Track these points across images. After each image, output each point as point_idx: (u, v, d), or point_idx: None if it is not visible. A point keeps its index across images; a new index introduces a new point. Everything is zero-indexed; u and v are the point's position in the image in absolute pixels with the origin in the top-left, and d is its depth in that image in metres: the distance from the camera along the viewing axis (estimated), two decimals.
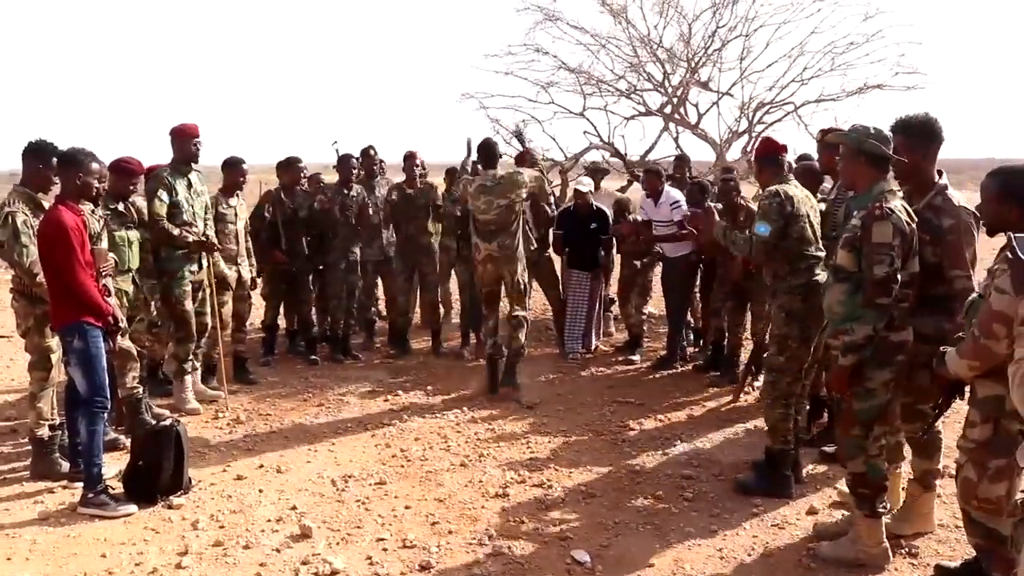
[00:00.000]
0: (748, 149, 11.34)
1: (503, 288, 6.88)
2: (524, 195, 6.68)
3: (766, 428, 4.75)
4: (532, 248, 7.18)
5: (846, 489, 4.52)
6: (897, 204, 3.57)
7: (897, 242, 3.48)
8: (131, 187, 5.72)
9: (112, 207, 5.49)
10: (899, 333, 3.64)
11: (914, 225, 3.58)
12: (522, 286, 6.79)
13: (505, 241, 6.60)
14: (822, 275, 4.53)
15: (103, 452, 4.86)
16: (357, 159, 7.97)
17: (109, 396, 4.55)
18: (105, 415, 4.55)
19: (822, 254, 4.60)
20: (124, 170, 5.54)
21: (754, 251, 4.50)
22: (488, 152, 6.75)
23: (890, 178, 3.72)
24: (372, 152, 8.19)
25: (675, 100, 11.59)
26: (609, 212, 8.02)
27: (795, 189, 4.63)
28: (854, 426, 3.73)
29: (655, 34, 11.64)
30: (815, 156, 6.93)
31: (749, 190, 10.50)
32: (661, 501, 4.62)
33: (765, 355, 4.89)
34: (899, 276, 3.49)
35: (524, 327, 6.85)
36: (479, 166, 6.97)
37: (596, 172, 9.11)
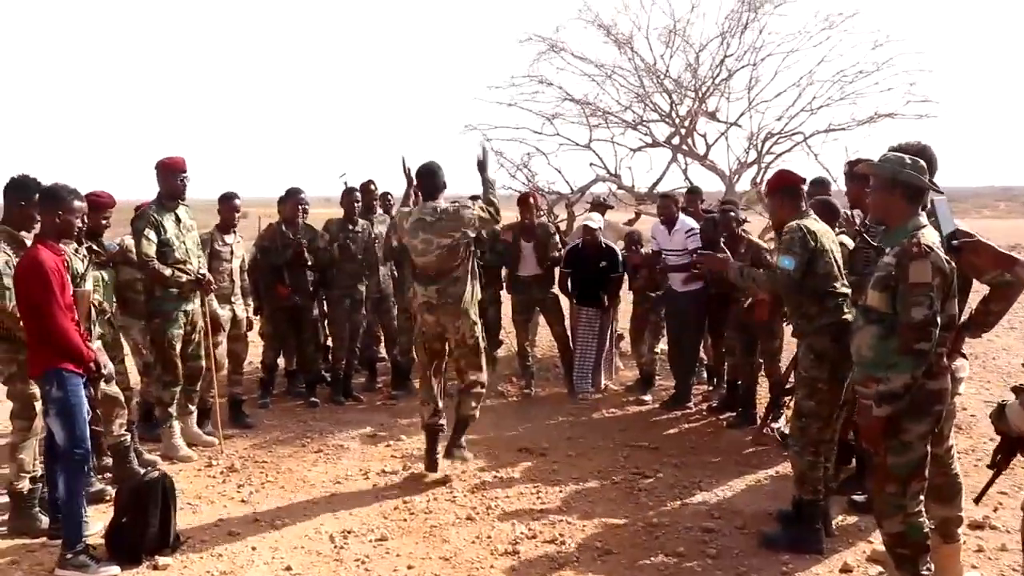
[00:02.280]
0: (758, 180, 11.11)
1: (446, 347, 5.60)
2: (471, 235, 5.41)
3: (794, 477, 4.45)
4: (479, 299, 5.67)
5: (881, 548, 4.24)
6: (934, 240, 3.31)
7: (937, 282, 3.22)
8: (102, 222, 5.46)
9: (87, 246, 5.22)
10: (937, 380, 3.36)
11: (953, 263, 3.32)
12: (473, 343, 5.48)
13: (447, 288, 5.33)
14: (850, 314, 4.29)
15: (86, 506, 4.59)
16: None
17: (91, 448, 4.27)
18: (87, 468, 4.27)
19: (848, 291, 4.34)
20: (94, 204, 5.22)
21: (779, 286, 4.24)
22: (429, 179, 5.42)
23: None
24: (372, 187, 7.98)
25: (683, 131, 11.37)
26: (617, 247, 7.75)
27: (816, 223, 4.40)
28: (890, 482, 3.43)
29: (661, 64, 11.44)
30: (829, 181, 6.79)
31: (758, 221, 10.31)
32: (683, 558, 4.31)
33: (794, 399, 4.60)
34: (938, 319, 3.23)
35: (478, 394, 5.59)
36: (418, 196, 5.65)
37: (600, 206, 8.86)
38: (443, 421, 5.62)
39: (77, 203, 4.24)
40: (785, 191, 4.57)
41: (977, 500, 3.50)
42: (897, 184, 3.39)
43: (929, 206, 3.48)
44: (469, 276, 5.41)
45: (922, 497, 3.48)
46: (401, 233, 5.61)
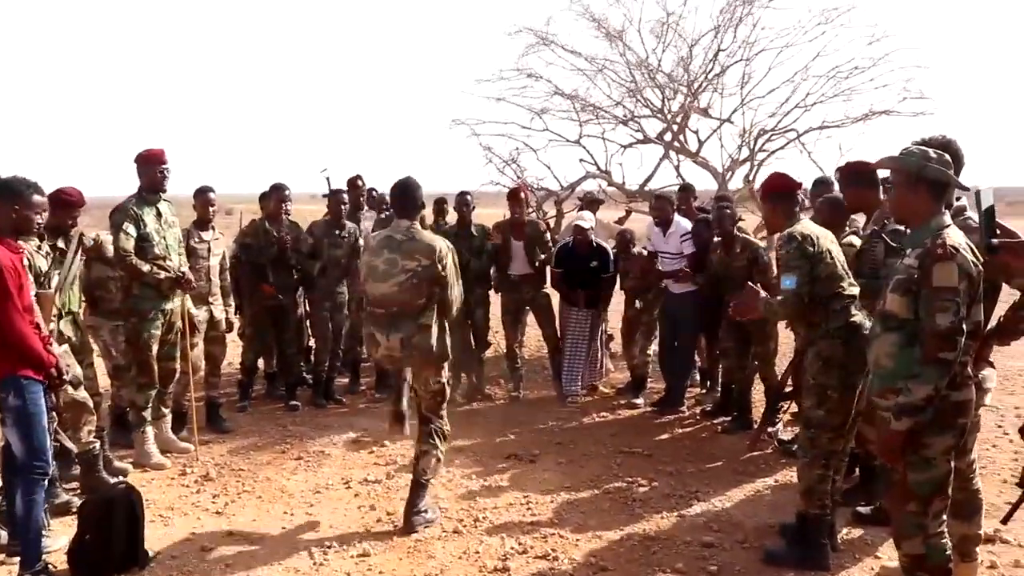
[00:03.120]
0: (750, 178, 10.92)
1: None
2: (438, 271, 4.48)
3: (800, 490, 4.22)
4: (446, 344, 4.70)
5: (892, 564, 4.02)
6: (960, 240, 3.07)
7: (963, 286, 2.99)
8: (70, 221, 5.17)
9: (50, 243, 4.93)
10: (961, 391, 3.13)
11: (980, 266, 3.09)
12: (438, 389, 4.71)
13: (411, 339, 4.47)
14: (859, 315, 4.06)
15: (49, 519, 4.33)
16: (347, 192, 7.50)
17: (50, 460, 3.99)
18: (46, 482, 3.98)
19: (856, 290, 4.11)
20: (62, 202, 4.96)
21: (786, 308, 4.02)
22: (406, 196, 4.67)
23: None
24: (360, 183, 7.72)
25: (675, 127, 11.16)
26: (608, 246, 7.51)
27: (810, 226, 4.17)
28: (910, 501, 3.19)
29: (653, 58, 11.24)
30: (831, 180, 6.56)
31: (750, 219, 10.10)
32: None
33: (802, 408, 4.37)
34: (964, 326, 3.00)
35: (437, 447, 4.73)
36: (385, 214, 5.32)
37: (592, 203, 8.62)
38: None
39: (36, 198, 3.95)
40: (778, 196, 4.34)
41: (1005, 520, 3.28)
42: (921, 180, 3.15)
43: (975, 197, 3.24)
44: (437, 325, 4.57)
45: (945, 516, 3.25)
46: (366, 251, 4.84)
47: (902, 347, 3.15)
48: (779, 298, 4.03)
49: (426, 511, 4.72)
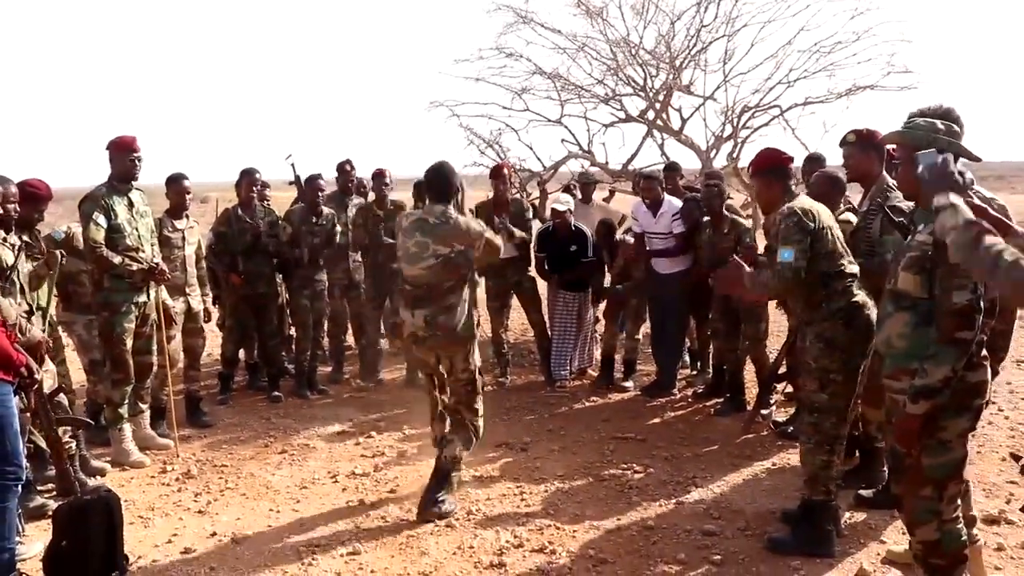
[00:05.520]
0: (735, 155, 10.80)
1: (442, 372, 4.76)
2: (473, 254, 4.60)
3: (804, 477, 4.10)
4: (476, 325, 4.81)
5: (897, 548, 3.92)
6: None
7: None
8: (36, 214, 4.94)
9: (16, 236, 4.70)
10: (977, 372, 3.00)
11: None
12: (466, 379, 4.65)
13: (437, 317, 4.49)
14: (860, 295, 3.94)
15: (23, 524, 4.16)
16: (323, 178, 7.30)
17: (23, 464, 3.79)
18: (19, 488, 3.79)
19: (856, 269, 3.98)
20: (29, 195, 4.72)
21: (786, 282, 3.84)
22: (439, 181, 4.63)
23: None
24: (348, 167, 7.54)
25: (657, 105, 11.01)
26: (587, 231, 7.30)
27: (809, 201, 4.02)
28: (924, 485, 3.07)
29: (635, 35, 11.09)
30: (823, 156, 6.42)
31: (735, 198, 9.98)
32: (685, 566, 3.94)
33: (803, 392, 4.23)
34: (981, 304, 2.87)
35: (467, 439, 4.69)
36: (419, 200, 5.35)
37: (587, 185, 8.45)
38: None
39: None
40: (772, 172, 4.18)
41: None
42: None
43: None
44: (465, 304, 4.57)
45: (959, 501, 3.14)
46: (397, 232, 4.77)
47: (916, 327, 3.02)
48: (775, 269, 3.87)
49: (443, 501, 4.58)
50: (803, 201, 3.99)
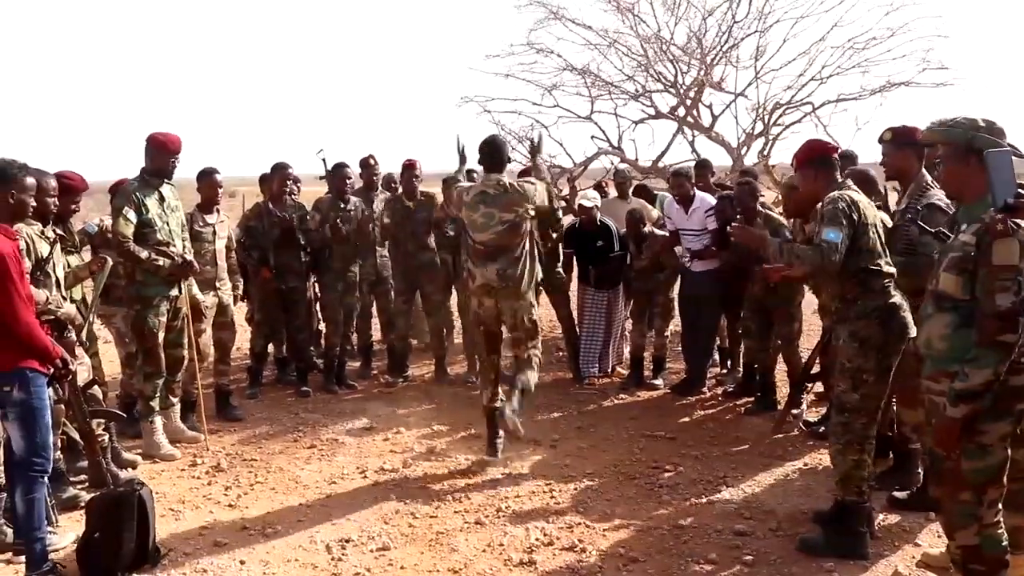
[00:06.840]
0: (766, 152, 10.69)
1: (504, 328, 5.39)
2: (532, 212, 5.19)
3: (836, 478, 4.04)
4: (540, 278, 5.58)
5: (934, 551, 3.86)
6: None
7: None
8: (72, 206, 4.99)
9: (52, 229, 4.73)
10: (1020, 376, 2.94)
11: None
12: (531, 325, 5.28)
13: (507, 269, 5.09)
14: (896, 295, 3.87)
15: (57, 515, 4.19)
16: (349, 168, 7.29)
17: (52, 457, 3.82)
18: (45, 479, 3.82)
19: (893, 269, 3.91)
20: (63, 187, 4.73)
21: (825, 262, 3.73)
22: (493, 152, 5.27)
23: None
24: (372, 162, 7.52)
25: (688, 102, 10.92)
26: (612, 225, 7.24)
27: (858, 194, 3.94)
28: (964, 489, 3.02)
29: (666, 31, 10.99)
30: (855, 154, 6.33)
31: (766, 195, 9.88)
32: (717, 567, 3.91)
33: (835, 392, 4.17)
34: None
35: (535, 366, 5.34)
36: (474, 172, 5.89)
37: (624, 182, 8.39)
38: (502, 404, 5.29)
39: (29, 180, 3.75)
40: (818, 162, 4.08)
41: None
42: (972, 151, 2.96)
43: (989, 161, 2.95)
44: (529, 258, 5.21)
45: (1000, 506, 3.08)
46: (460, 207, 5.30)
47: (957, 328, 2.97)
48: (818, 245, 3.73)
49: (520, 417, 5.12)
50: (852, 193, 3.90)
